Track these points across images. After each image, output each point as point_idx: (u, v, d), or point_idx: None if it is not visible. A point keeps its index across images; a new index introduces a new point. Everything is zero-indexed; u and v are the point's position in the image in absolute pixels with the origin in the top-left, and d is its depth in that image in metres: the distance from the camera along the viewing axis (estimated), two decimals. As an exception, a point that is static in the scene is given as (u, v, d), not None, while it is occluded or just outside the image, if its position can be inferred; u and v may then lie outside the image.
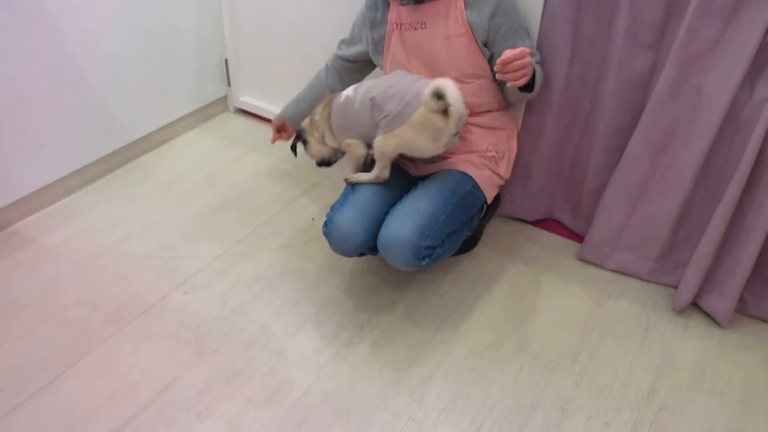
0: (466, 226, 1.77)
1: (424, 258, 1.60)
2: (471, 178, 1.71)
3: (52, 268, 1.90)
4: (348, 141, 1.74)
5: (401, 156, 1.70)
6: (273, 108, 2.61)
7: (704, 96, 1.63)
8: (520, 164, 1.98)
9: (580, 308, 1.85)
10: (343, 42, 1.96)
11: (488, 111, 1.77)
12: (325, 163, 1.92)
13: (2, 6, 1.81)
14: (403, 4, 1.70)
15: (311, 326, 1.76)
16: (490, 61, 1.68)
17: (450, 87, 1.47)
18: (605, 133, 1.85)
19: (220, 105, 2.72)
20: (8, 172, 2.00)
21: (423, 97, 1.52)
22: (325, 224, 1.70)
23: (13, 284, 1.84)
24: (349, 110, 1.69)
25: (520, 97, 1.71)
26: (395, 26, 1.73)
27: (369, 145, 1.71)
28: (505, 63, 1.47)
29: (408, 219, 1.60)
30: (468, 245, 1.99)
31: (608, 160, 1.89)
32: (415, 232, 1.57)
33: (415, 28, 1.69)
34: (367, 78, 1.96)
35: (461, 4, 1.63)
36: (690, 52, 1.60)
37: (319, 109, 1.83)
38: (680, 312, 1.84)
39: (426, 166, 1.78)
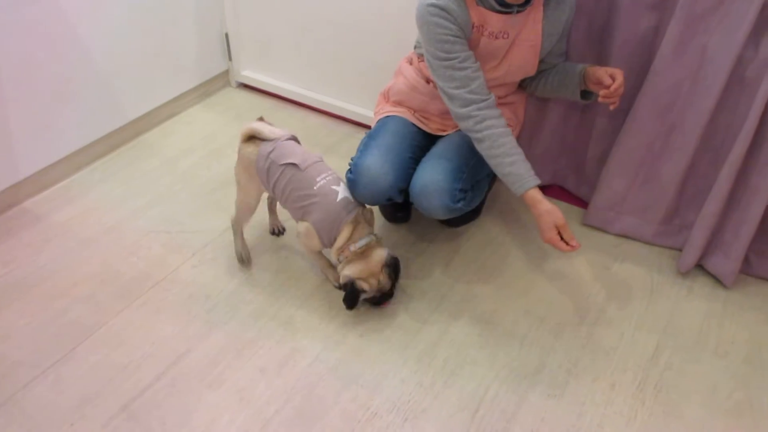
0: (488, 179, 1.80)
1: (459, 201, 1.63)
2: None
3: (62, 245, 1.92)
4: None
5: (419, 114, 1.80)
6: (275, 81, 2.60)
7: (709, 55, 1.62)
8: (524, 130, 1.97)
9: (585, 273, 1.86)
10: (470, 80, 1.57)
11: (503, 96, 1.79)
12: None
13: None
14: (489, 9, 1.54)
15: (318, 296, 1.78)
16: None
17: None
18: (609, 96, 1.83)
19: (222, 80, 2.71)
20: (16, 150, 2.01)
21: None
22: (350, 170, 1.69)
23: (26, 261, 1.87)
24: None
25: (569, 97, 1.75)
26: (479, 29, 1.57)
27: None
28: (618, 89, 1.54)
29: (439, 166, 1.64)
30: (473, 213, 1.99)
31: (613, 125, 1.89)
32: (449, 175, 1.61)
33: (496, 38, 1.58)
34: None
35: (540, 16, 1.58)
36: (694, 10, 1.58)
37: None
38: (685, 274, 1.85)
39: (445, 122, 1.80)
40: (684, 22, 1.59)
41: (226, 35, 2.60)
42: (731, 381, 1.57)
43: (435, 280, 1.83)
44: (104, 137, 2.28)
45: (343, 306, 1.68)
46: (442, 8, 1.48)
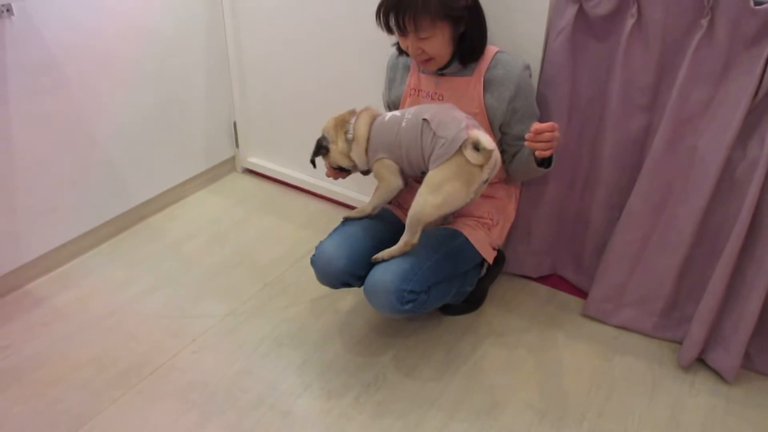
0: (458, 280, 1.79)
1: (407, 302, 1.63)
2: (462, 234, 1.77)
3: (62, 328, 1.92)
4: (385, 162, 1.71)
5: (397, 206, 1.81)
6: (280, 168, 2.68)
7: (699, 156, 1.68)
8: (522, 222, 2.02)
9: (586, 365, 1.85)
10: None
11: (490, 184, 1.82)
12: (341, 169, 1.84)
13: (28, 75, 1.91)
14: (423, 73, 1.78)
15: (318, 386, 1.76)
16: (500, 141, 1.77)
17: (486, 138, 1.54)
18: (604, 191, 1.89)
19: (228, 165, 2.79)
20: (21, 234, 2.05)
21: (465, 150, 1.55)
22: (313, 254, 1.75)
23: (25, 345, 1.86)
24: (396, 128, 1.67)
25: (533, 172, 1.74)
26: (414, 91, 1.81)
27: (404, 178, 1.74)
28: (539, 132, 1.53)
29: (392, 265, 1.65)
30: (473, 303, 2.01)
31: (609, 217, 1.93)
32: (398, 276, 1.62)
33: (432, 98, 1.77)
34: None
35: (480, 87, 1.70)
36: (683, 114, 1.66)
37: (352, 120, 1.76)
38: (686, 368, 1.84)
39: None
40: (673, 124, 1.67)
41: (234, 123, 2.69)
42: (738, 482, 1.54)
43: (433, 372, 1.82)
44: (110, 221, 2.33)
45: (342, 396, 1.66)
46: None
